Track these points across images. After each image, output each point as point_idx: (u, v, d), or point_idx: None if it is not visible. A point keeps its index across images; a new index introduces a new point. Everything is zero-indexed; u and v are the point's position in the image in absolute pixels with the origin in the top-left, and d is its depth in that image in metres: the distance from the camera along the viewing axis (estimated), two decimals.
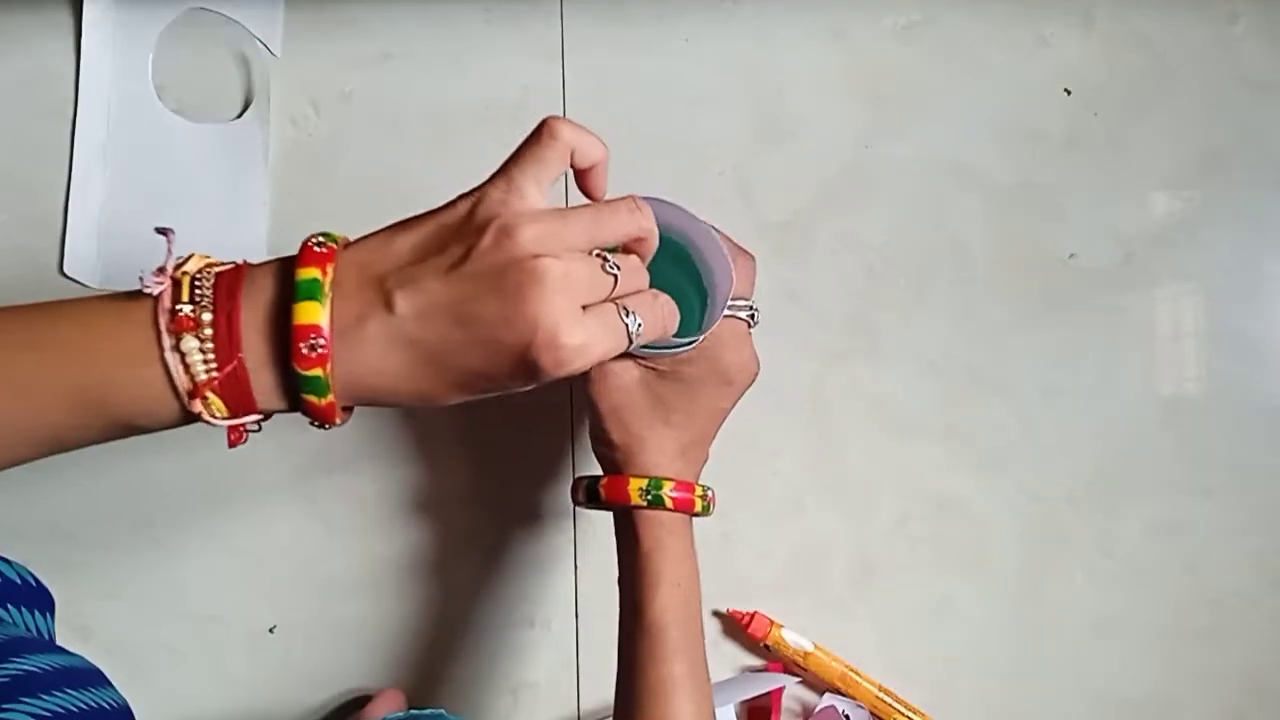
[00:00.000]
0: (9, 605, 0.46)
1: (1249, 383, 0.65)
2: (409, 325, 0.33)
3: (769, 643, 0.60)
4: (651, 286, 0.47)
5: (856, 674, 0.61)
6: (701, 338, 0.46)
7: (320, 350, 0.33)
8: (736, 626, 0.61)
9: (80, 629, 0.61)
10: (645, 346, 0.49)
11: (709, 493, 0.47)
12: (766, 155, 0.65)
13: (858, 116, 0.65)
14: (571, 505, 0.62)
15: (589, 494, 0.47)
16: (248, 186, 0.64)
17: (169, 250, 0.34)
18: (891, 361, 0.64)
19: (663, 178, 0.64)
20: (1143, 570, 0.63)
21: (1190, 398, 0.65)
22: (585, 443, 0.63)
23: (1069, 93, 0.66)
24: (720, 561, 0.61)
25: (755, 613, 0.61)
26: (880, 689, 0.61)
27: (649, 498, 0.45)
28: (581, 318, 0.34)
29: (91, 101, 0.64)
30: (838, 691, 0.61)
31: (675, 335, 0.46)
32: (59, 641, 0.49)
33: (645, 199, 0.44)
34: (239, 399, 0.34)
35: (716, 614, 0.62)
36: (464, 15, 0.65)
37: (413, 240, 0.35)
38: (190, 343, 0.33)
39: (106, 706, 0.41)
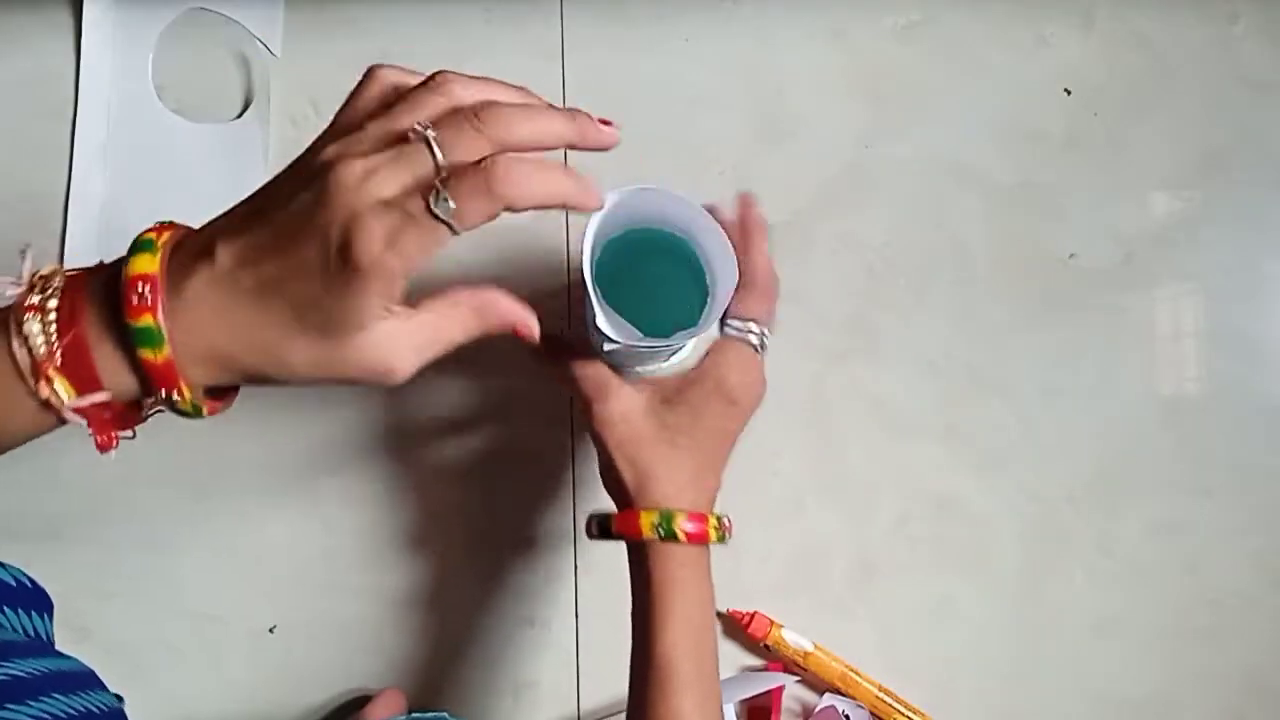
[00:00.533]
0: (5, 608, 0.46)
1: (1249, 383, 0.65)
2: (230, 270, 0.33)
3: (769, 643, 0.60)
4: (649, 285, 0.47)
5: (856, 674, 0.61)
6: (695, 334, 0.45)
7: (146, 298, 0.32)
8: (736, 626, 0.61)
9: (79, 629, 0.61)
10: (639, 361, 0.50)
11: (724, 521, 0.46)
12: (766, 155, 0.65)
13: (858, 116, 0.65)
14: (572, 506, 0.62)
15: (601, 528, 0.47)
16: (248, 186, 0.63)
17: (25, 260, 0.34)
18: (891, 361, 0.64)
19: (663, 178, 0.64)
20: (1143, 570, 0.63)
21: (1190, 398, 0.65)
22: (586, 443, 0.63)
23: (1069, 93, 0.66)
24: (720, 561, 0.61)
25: (755, 613, 0.61)
26: (880, 689, 0.61)
27: (661, 531, 0.44)
28: (377, 211, 0.31)
29: (91, 101, 0.64)
30: (837, 691, 0.61)
31: (670, 335, 0.46)
32: (58, 642, 0.49)
33: (647, 189, 0.44)
34: (82, 374, 0.32)
35: (717, 614, 0.62)
36: (464, 15, 0.65)
37: (244, 201, 0.35)
38: (33, 325, 0.32)
39: (96, 710, 0.41)
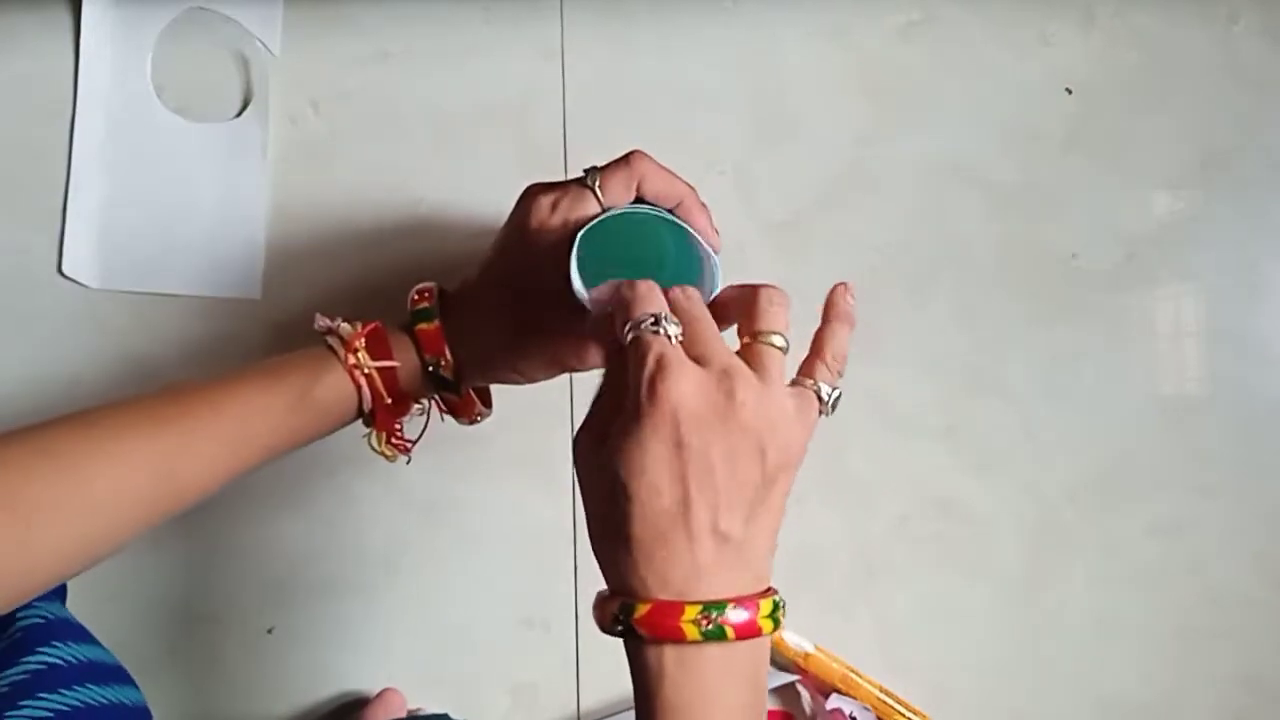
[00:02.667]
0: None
1: (1249, 383, 0.65)
2: (477, 287, 0.49)
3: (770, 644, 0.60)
4: (642, 267, 0.49)
5: (857, 675, 0.61)
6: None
7: (427, 293, 0.48)
8: None
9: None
10: None
11: (779, 605, 0.36)
12: (766, 155, 0.65)
13: (858, 116, 0.65)
14: (571, 506, 0.62)
15: (622, 624, 0.35)
16: (247, 186, 0.63)
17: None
18: (892, 361, 0.64)
19: None
20: (1144, 570, 0.63)
21: (1190, 398, 0.65)
22: None
23: (1069, 92, 0.66)
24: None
25: None
26: (881, 690, 0.61)
27: (707, 630, 0.33)
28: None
29: (90, 101, 0.63)
30: (838, 693, 0.61)
31: None
32: None
33: (636, 207, 0.46)
34: (378, 349, 0.46)
35: None
36: (464, 15, 0.65)
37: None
38: (346, 326, 0.47)
39: (128, 704, 0.41)
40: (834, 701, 0.60)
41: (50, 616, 0.44)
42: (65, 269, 0.62)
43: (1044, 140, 0.66)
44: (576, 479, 0.38)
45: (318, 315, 0.47)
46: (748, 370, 0.36)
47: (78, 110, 0.63)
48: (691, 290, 0.40)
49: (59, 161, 0.63)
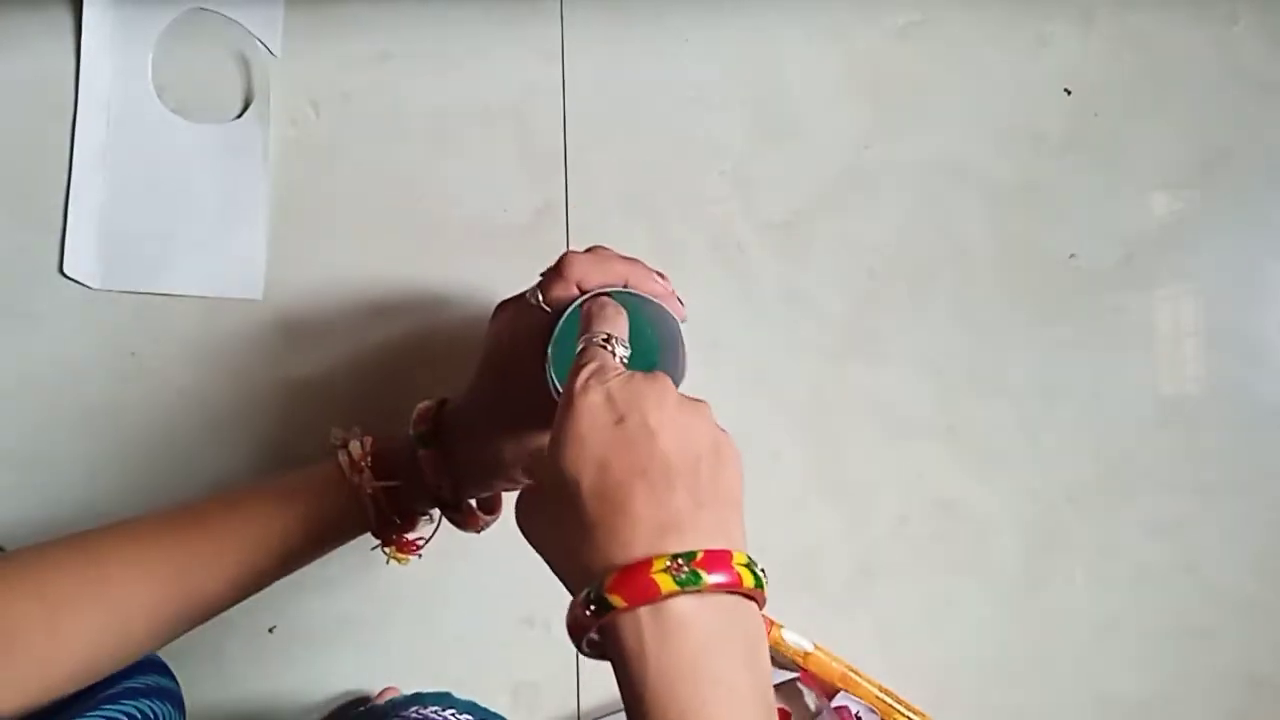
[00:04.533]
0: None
1: (1249, 383, 0.65)
2: (465, 404, 0.50)
3: (769, 643, 0.60)
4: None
5: (857, 674, 0.61)
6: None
7: (425, 415, 0.49)
8: None
9: None
10: None
11: (755, 562, 0.35)
12: (766, 155, 0.65)
13: (858, 116, 0.65)
14: None
15: (594, 602, 0.33)
16: (247, 186, 0.64)
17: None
18: (891, 361, 0.64)
19: (663, 178, 0.64)
20: (1143, 570, 0.63)
21: (1190, 398, 0.65)
22: None
23: (1069, 93, 0.66)
24: None
25: None
26: (881, 689, 0.61)
27: (680, 577, 0.32)
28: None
29: (91, 102, 0.64)
30: (839, 692, 0.61)
31: None
32: None
33: (600, 293, 0.47)
34: (385, 468, 0.48)
35: None
36: (464, 15, 0.65)
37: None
38: (355, 445, 0.49)
39: (169, 687, 0.49)
40: (840, 699, 0.60)
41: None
42: (66, 269, 0.62)
43: (1043, 140, 0.66)
44: (524, 537, 0.39)
45: (334, 430, 0.51)
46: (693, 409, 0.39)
47: (79, 111, 0.63)
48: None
49: (60, 162, 0.63)
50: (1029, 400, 0.64)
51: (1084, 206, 0.65)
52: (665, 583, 0.32)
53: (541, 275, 0.47)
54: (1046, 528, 0.63)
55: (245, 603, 0.61)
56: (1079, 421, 0.64)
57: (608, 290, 0.46)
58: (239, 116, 0.64)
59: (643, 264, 0.47)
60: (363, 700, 0.61)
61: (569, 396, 0.37)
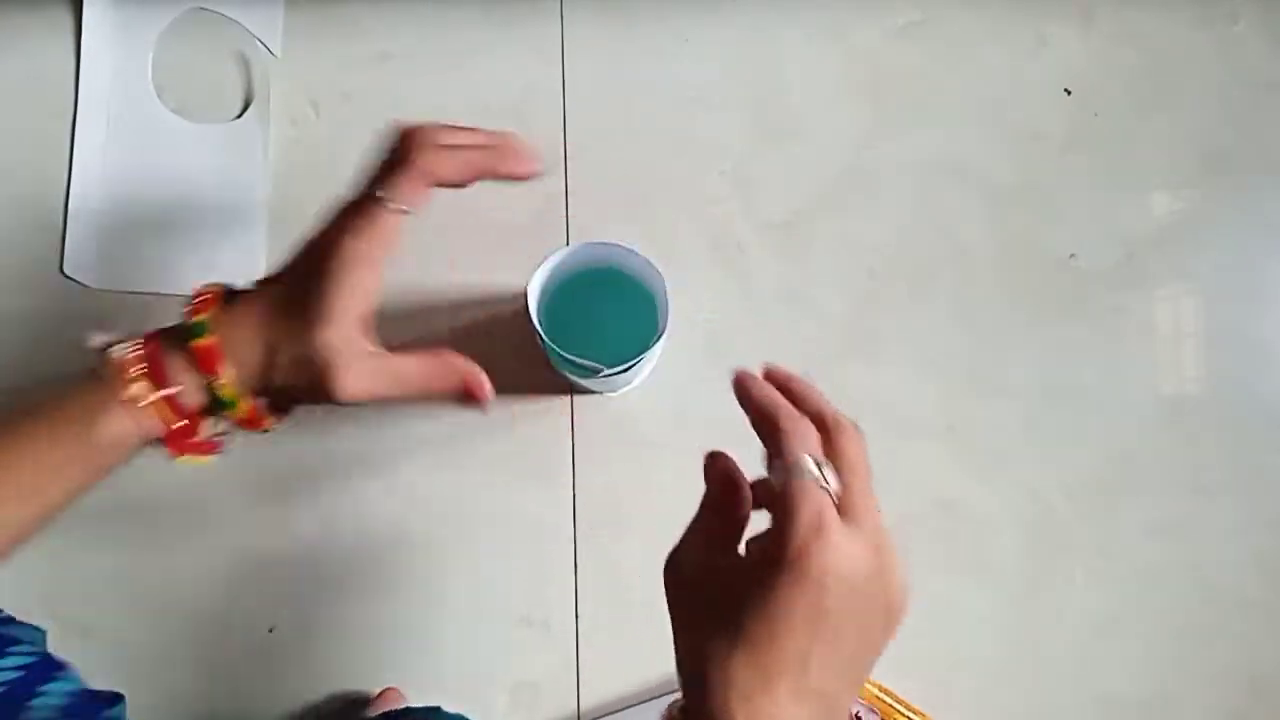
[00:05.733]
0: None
1: (1249, 383, 0.65)
2: (258, 293, 0.44)
3: None
4: (602, 317, 0.54)
5: None
6: (652, 350, 0.51)
7: (208, 299, 0.43)
8: None
9: (81, 628, 0.61)
10: (588, 371, 0.53)
11: None
12: (766, 155, 0.65)
13: (858, 116, 0.65)
14: (572, 505, 0.62)
15: None
16: (247, 186, 0.64)
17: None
18: (891, 361, 0.64)
19: (663, 177, 0.64)
20: (1143, 570, 0.63)
21: (1190, 398, 0.65)
22: (587, 445, 0.63)
23: (1069, 93, 0.66)
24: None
25: None
26: (880, 689, 0.61)
27: None
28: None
29: (91, 102, 0.64)
30: None
31: (621, 358, 0.52)
32: (60, 640, 0.49)
33: (584, 245, 0.52)
34: (156, 374, 0.42)
35: None
36: (464, 15, 0.65)
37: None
38: (120, 349, 0.42)
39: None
40: None
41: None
42: (66, 269, 0.62)
43: (1044, 140, 0.66)
44: (668, 603, 0.35)
45: (92, 333, 0.44)
46: (890, 540, 0.35)
47: (79, 111, 0.63)
48: (855, 433, 0.38)
49: (60, 162, 0.63)
50: (1029, 400, 0.64)
51: (1084, 206, 0.65)
52: None
53: (380, 164, 0.43)
54: (1046, 528, 0.63)
55: (245, 603, 0.62)
56: (1079, 422, 0.64)
57: (603, 250, 0.51)
58: (239, 116, 0.64)
59: (485, 133, 0.44)
60: (362, 700, 0.61)
61: (784, 558, 0.32)
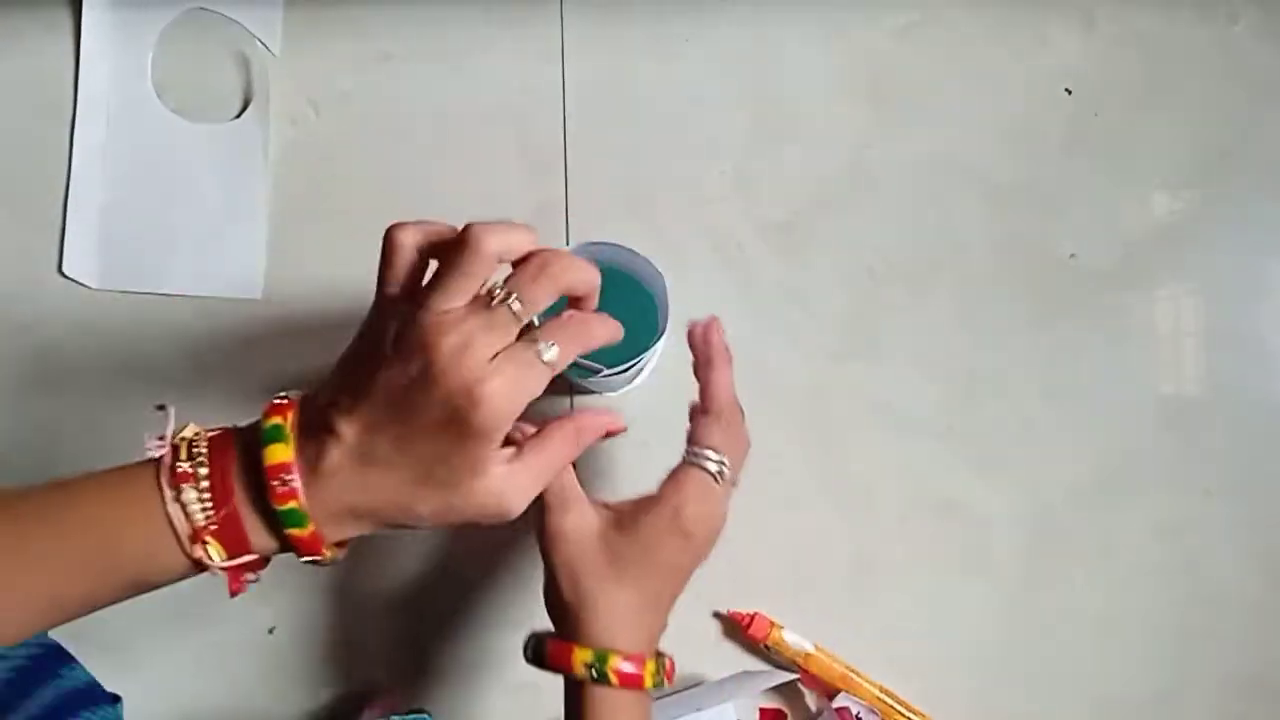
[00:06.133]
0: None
1: (1249, 383, 0.65)
2: (356, 444, 0.37)
3: (769, 644, 0.60)
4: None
5: (857, 674, 0.61)
6: (652, 350, 0.52)
7: (291, 485, 0.37)
8: (737, 627, 0.61)
9: (79, 629, 0.61)
10: (588, 371, 0.51)
11: (664, 664, 0.44)
12: (766, 155, 0.65)
13: (858, 116, 0.65)
14: None
15: (535, 654, 0.44)
16: (247, 186, 0.64)
17: (169, 419, 0.38)
18: (891, 361, 0.64)
19: (663, 177, 0.64)
20: (1143, 570, 0.63)
21: (1190, 398, 0.65)
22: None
23: (1069, 93, 0.66)
24: (720, 562, 0.61)
25: (756, 614, 0.61)
26: (881, 689, 0.61)
27: (595, 673, 0.42)
28: (491, 365, 0.36)
29: (91, 102, 0.64)
30: (839, 693, 0.61)
31: (621, 359, 0.51)
32: (60, 640, 0.49)
33: (584, 245, 0.51)
34: (234, 541, 0.37)
35: (717, 615, 0.62)
36: (464, 15, 0.65)
37: (347, 373, 0.40)
38: (190, 494, 0.37)
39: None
40: (841, 700, 0.60)
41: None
42: (65, 269, 0.62)
43: (1044, 140, 0.66)
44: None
45: (152, 442, 0.38)
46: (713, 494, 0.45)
47: (78, 110, 0.63)
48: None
49: (59, 162, 0.63)
50: (1029, 400, 0.64)
51: (1084, 206, 0.65)
52: (582, 671, 0.42)
53: (436, 263, 0.39)
54: (1046, 528, 0.63)
55: (245, 603, 0.62)
56: (1079, 422, 0.64)
57: (603, 250, 0.50)
58: (239, 116, 0.64)
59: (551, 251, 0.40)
60: (362, 701, 0.61)
61: (710, 492, 0.45)
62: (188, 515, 0.37)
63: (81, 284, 0.62)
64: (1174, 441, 0.64)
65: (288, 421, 0.38)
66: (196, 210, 0.63)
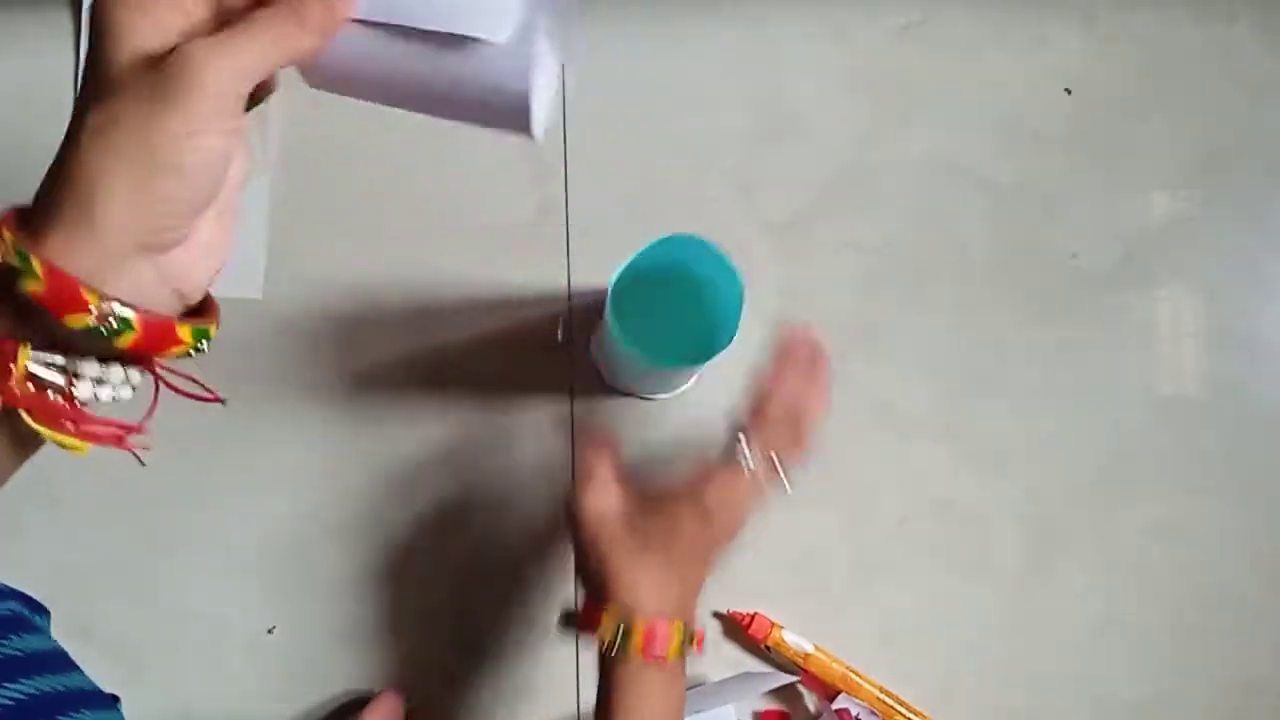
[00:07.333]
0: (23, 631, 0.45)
1: (1249, 383, 0.65)
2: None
3: (769, 644, 0.60)
4: (666, 318, 0.52)
5: (857, 675, 0.61)
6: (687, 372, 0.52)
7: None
8: (737, 628, 0.61)
9: (81, 629, 0.61)
10: (648, 386, 0.51)
11: (692, 633, 0.45)
12: (766, 155, 0.65)
13: (858, 116, 0.65)
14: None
15: (569, 618, 0.48)
16: (248, 186, 0.63)
17: None
18: (891, 361, 0.64)
19: (663, 177, 0.64)
20: (1143, 570, 0.63)
21: (1189, 398, 0.65)
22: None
23: (1069, 93, 0.66)
24: (721, 562, 0.61)
25: (756, 614, 0.61)
26: (881, 690, 0.61)
27: (621, 630, 0.43)
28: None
29: None
30: (839, 693, 0.61)
31: (698, 358, 0.51)
32: (60, 640, 0.49)
33: (666, 238, 0.49)
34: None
35: (717, 615, 0.62)
36: None
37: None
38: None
39: (86, 689, 0.42)
40: (841, 701, 0.60)
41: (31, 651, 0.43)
42: None
43: (1044, 140, 0.66)
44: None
45: None
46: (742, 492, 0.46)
47: None
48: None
49: None
50: (1029, 400, 0.64)
51: (1084, 206, 0.65)
52: (609, 633, 0.43)
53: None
54: (1046, 528, 0.63)
55: (245, 603, 0.62)
56: (1079, 422, 0.64)
57: (688, 244, 0.49)
58: None
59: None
60: (362, 701, 0.61)
61: (736, 482, 0.46)
62: None
63: None
64: (1174, 441, 0.64)
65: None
66: None
